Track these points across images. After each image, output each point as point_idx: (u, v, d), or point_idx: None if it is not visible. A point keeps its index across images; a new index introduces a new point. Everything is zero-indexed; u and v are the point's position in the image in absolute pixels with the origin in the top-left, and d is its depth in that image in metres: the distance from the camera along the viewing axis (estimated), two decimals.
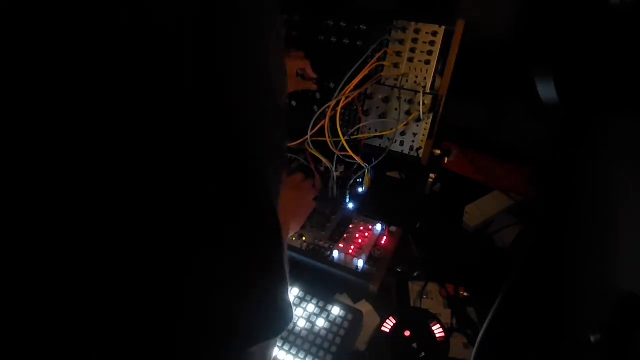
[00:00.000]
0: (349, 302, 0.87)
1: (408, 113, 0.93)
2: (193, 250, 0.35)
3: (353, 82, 0.92)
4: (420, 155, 0.94)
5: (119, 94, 0.31)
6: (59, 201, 0.31)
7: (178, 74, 0.32)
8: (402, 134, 0.95)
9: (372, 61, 0.94)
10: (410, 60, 0.94)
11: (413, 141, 0.94)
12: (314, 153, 0.94)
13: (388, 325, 0.79)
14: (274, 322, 0.44)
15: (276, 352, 0.78)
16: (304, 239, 0.95)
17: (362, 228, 0.95)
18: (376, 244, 0.93)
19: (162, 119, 0.32)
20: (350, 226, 0.96)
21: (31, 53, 0.30)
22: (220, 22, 0.34)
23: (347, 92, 0.92)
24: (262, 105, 0.39)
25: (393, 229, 0.95)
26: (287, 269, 0.45)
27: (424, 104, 0.90)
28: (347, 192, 0.99)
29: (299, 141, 0.95)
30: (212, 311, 0.38)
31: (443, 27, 0.91)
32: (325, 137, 0.92)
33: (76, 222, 0.32)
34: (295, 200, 0.93)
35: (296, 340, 0.79)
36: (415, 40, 0.93)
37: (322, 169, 1.02)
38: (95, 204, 0.31)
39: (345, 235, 0.94)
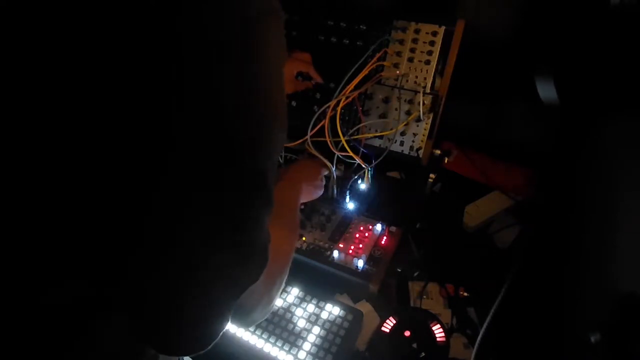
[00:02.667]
0: (349, 302, 0.87)
1: (408, 113, 0.93)
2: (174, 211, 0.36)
3: (353, 82, 0.92)
4: (420, 155, 0.94)
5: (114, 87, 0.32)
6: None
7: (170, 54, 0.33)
8: (402, 134, 0.95)
9: (372, 61, 0.94)
10: (410, 60, 0.94)
11: (413, 141, 0.94)
12: (314, 153, 0.94)
13: (388, 325, 0.79)
14: (254, 271, 0.46)
15: (276, 352, 0.78)
16: (304, 239, 0.94)
17: (362, 228, 0.95)
18: (376, 244, 0.93)
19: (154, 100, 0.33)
20: (350, 226, 0.96)
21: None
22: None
23: (347, 92, 0.92)
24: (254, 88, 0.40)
25: (393, 229, 0.95)
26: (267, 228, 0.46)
27: (424, 104, 0.90)
28: (347, 192, 0.99)
29: (299, 141, 0.95)
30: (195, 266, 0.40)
31: (443, 27, 0.91)
32: (325, 137, 0.92)
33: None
34: (305, 169, 0.91)
35: (296, 340, 0.79)
36: (415, 40, 0.93)
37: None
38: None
39: (345, 235, 0.94)
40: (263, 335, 0.80)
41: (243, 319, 0.59)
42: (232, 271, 0.43)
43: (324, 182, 0.95)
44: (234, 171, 0.39)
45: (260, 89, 0.40)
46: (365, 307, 0.86)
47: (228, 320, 0.46)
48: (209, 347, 0.43)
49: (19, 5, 0.32)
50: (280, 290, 0.66)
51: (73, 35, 0.31)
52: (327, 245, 0.93)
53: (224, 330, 0.45)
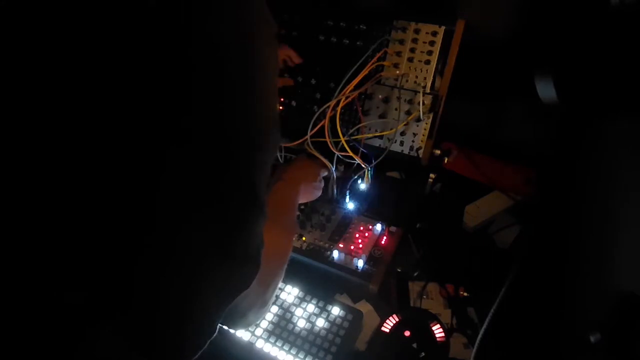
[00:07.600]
0: (349, 302, 0.87)
1: (408, 113, 0.93)
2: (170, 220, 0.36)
3: (353, 82, 0.92)
4: (420, 155, 0.94)
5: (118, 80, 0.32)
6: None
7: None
8: (402, 134, 0.94)
9: (372, 61, 0.94)
10: (410, 60, 0.94)
11: (413, 141, 0.94)
12: (314, 153, 0.94)
13: (388, 325, 0.79)
14: (245, 279, 0.46)
15: (276, 352, 0.78)
16: (304, 239, 0.95)
17: (362, 228, 0.95)
18: (376, 244, 0.93)
19: (155, 104, 0.33)
20: (350, 226, 0.96)
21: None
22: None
23: (347, 92, 0.92)
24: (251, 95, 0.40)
25: (393, 229, 0.95)
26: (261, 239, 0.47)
27: (424, 104, 0.90)
28: (347, 192, 0.99)
29: (298, 141, 0.95)
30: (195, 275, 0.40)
31: (443, 27, 0.91)
32: (325, 137, 0.92)
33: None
34: (304, 169, 0.92)
35: (296, 340, 0.79)
36: (415, 40, 0.93)
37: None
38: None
39: (345, 235, 0.94)
40: (263, 335, 0.80)
41: (238, 322, 0.59)
42: (224, 280, 0.43)
43: (322, 183, 0.95)
44: (233, 173, 0.40)
45: (259, 89, 0.40)
46: (365, 307, 0.86)
47: (217, 328, 0.46)
48: (196, 356, 0.44)
49: (21, 6, 0.32)
50: (275, 292, 0.66)
51: (76, 37, 0.31)
52: (327, 245, 0.93)
53: (215, 334, 0.45)
